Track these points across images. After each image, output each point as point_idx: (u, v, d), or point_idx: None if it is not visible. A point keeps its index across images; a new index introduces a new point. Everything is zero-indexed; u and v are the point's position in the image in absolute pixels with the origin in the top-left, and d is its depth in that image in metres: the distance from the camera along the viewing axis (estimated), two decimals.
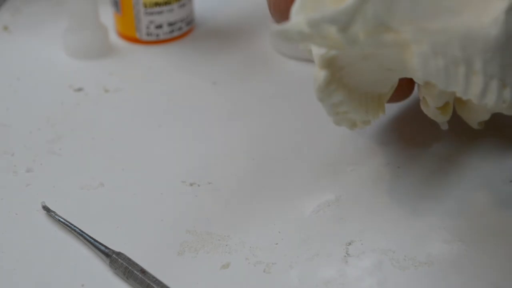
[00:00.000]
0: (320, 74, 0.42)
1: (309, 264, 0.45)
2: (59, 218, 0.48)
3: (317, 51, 0.42)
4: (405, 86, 0.49)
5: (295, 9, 0.41)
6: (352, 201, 0.49)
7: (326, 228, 0.48)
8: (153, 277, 0.44)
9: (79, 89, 0.60)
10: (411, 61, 0.40)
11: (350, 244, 0.46)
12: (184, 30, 0.65)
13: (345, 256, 0.45)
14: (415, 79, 0.43)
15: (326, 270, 0.45)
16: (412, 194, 0.49)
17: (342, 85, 0.43)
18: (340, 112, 0.45)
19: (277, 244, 0.46)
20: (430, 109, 0.47)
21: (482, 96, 0.39)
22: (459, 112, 0.49)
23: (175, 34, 0.65)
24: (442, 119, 0.48)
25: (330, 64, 0.42)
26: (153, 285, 0.43)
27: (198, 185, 0.51)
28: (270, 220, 0.48)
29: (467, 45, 0.38)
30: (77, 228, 0.47)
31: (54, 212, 0.48)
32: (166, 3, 0.64)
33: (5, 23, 0.68)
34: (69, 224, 0.48)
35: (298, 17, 0.39)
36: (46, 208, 0.49)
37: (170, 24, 0.65)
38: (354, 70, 0.43)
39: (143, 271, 0.44)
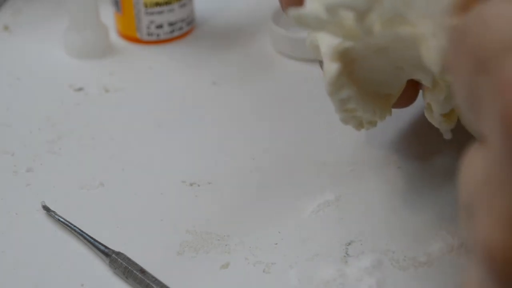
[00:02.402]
0: (331, 66, 0.41)
1: (309, 264, 0.45)
2: (59, 218, 0.48)
3: (330, 43, 0.42)
4: (410, 90, 0.48)
5: None
6: (352, 201, 0.49)
7: (326, 228, 0.47)
8: (153, 277, 0.44)
9: (79, 89, 0.60)
10: (428, 55, 0.39)
11: (349, 244, 0.46)
12: (184, 30, 0.65)
13: (344, 256, 0.45)
14: (423, 81, 0.43)
15: (325, 270, 0.45)
16: (412, 194, 0.49)
17: (352, 80, 0.43)
18: (348, 109, 0.44)
19: (276, 244, 0.46)
20: (435, 115, 0.46)
21: None
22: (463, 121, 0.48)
23: (176, 34, 0.65)
24: (445, 127, 0.47)
25: (342, 57, 0.42)
26: (153, 285, 0.43)
27: (198, 185, 0.51)
28: (270, 220, 0.48)
29: None
30: (77, 228, 0.47)
31: (54, 212, 0.49)
32: (166, 3, 0.64)
33: (6, 23, 0.68)
34: (69, 224, 0.48)
35: (313, 3, 0.39)
36: (46, 208, 0.49)
37: (171, 24, 0.65)
38: (365, 66, 0.43)
39: (142, 271, 0.44)
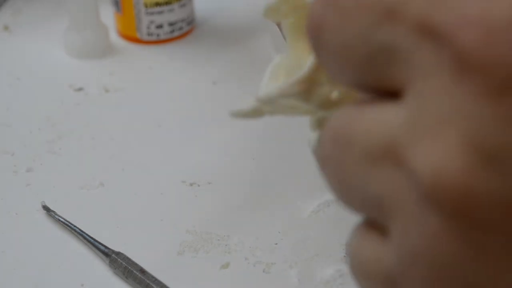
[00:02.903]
0: (311, 136, 0.37)
1: (309, 264, 0.45)
2: (59, 217, 0.48)
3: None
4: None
5: (265, 78, 0.35)
6: None
7: (326, 228, 0.47)
8: (153, 276, 0.44)
9: (79, 89, 0.60)
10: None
11: None
12: (184, 30, 0.65)
13: (344, 256, 0.45)
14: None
15: (325, 270, 0.45)
16: None
17: None
18: None
19: (276, 244, 0.46)
20: None
21: None
22: None
23: (176, 34, 0.65)
24: None
25: (321, 124, 0.38)
26: (153, 285, 0.43)
27: (198, 185, 0.51)
28: (270, 220, 0.48)
29: None
30: (77, 227, 0.47)
31: (54, 211, 0.49)
32: (166, 3, 0.64)
33: (6, 22, 0.68)
34: (69, 224, 0.48)
35: (268, 87, 0.34)
36: (46, 208, 0.49)
37: (171, 24, 0.65)
38: None
39: (142, 271, 0.44)
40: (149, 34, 0.64)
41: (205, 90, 0.60)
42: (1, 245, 0.47)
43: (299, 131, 0.55)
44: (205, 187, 0.51)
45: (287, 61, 0.35)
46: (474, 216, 0.22)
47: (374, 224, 0.25)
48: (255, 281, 0.44)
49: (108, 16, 0.66)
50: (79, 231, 0.47)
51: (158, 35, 0.65)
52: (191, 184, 0.51)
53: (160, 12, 0.64)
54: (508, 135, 0.21)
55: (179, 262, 0.46)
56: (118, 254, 0.45)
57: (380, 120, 0.24)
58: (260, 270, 0.45)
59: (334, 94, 0.31)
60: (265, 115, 0.35)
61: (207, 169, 0.52)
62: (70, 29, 0.63)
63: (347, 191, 0.25)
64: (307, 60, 0.32)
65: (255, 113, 0.35)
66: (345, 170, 0.25)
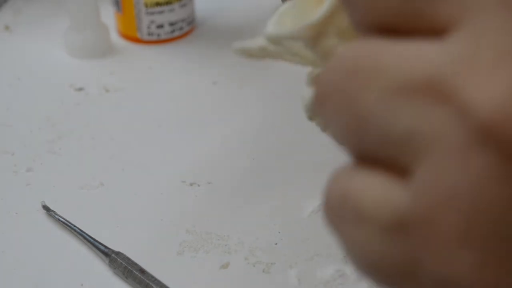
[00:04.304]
0: (306, 92, 0.38)
1: (309, 264, 0.45)
2: (59, 217, 0.48)
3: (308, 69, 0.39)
4: None
5: (271, 22, 0.35)
6: None
7: (326, 228, 0.47)
8: (152, 276, 0.44)
9: (80, 89, 0.60)
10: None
11: None
12: (185, 30, 0.65)
13: (344, 256, 0.45)
14: None
15: (325, 270, 0.45)
16: None
17: None
18: None
19: (276, 244, 0.46)
20: None
21: None
22: None
23: (176, 34, 0.65)
24: None
25: None
26: (152, 285, 0.43)
27: (198, 185, 0.51)
28: (270, 220, 0.48)
29: None
30: (77, 227, 0.47)
31: (54, 211, 0.49)
32: (167, 3, 0.64)
33: (6, 22, 0.68)
34: (69, 224, 0.48)
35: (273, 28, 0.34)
36: (46, 208, 0.49)
37: (171, 24, 0.65)
38: None
39: (142, 271, 0.44)
40: (150, 34, 0.64)
41: (205, 90, 0.60)
42: (1, 245, 0.47)
43: (299, 132, 0.55)
44: (205, 187, 0.51)
45: (293, 10, 0.34)
46: None
47: (384, 165, 0.23)
48: (255, 281, 0.44)
49: (108, 16, 0.66)
50: (79, 231, 0.47)
51: (158, 35, 0.65)
52: (191, 184, 0.51)
53: (161, 12, 0.64)
54: None
55: (179, 262, 0.46)
56: (118, 254, 0.45)
57: (418, 55, 0.22)
58: (260, 270, 0.45)
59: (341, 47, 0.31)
60: (268, 57, 0.35)
61: (207, 169, 0.52)
62: (71, 29, 0.63)
63: (357, 127, 0.23)
64: (314, 10, 0.32)
65: (260, 52, 0.35)
66: (363, 104, 0.23)
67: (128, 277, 0.44)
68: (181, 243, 0.47)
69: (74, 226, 0.47)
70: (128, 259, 0.45)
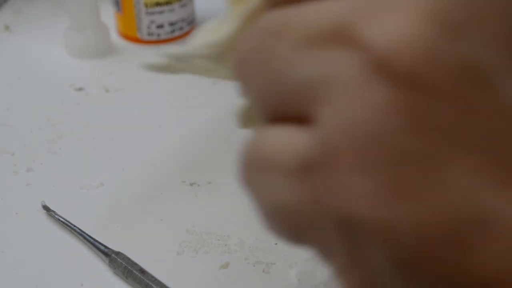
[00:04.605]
0: (238, 101, 0.34)
1: (309, 264, 0.45)
2: (59, 217, 0.48)
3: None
4: None
5: (194, 37, 0.34)
6: None
7: None
8: (152, 276, 0.44)
9: (80, 89, 0.60)
10: None
11: None
12: (185, 30, 0.65)
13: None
14: None
15: (325, 270, 0.45)
16: None
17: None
18: None
19: (276, 244, 0.46)
20: None
21: None
22: None
23: (176, 34, 0.65)
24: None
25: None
26: (152, 285, 0.43)
27: (198, 185, 0.51)
28: None
29: None
30: (77, 227, 0.47)
31: (54, 211, 0.49)
32: (167, 3, 0.64)
33: (6, 22, 0.68)
34: (69, 224, 0.48)
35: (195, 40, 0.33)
36: (46, 208, 0.49)
37: (171, 24, 0.65)
38: None
39: (142, 271, 0.44)
40: (150, 34, 0.64)
41: (205, 90, 0.60)
42: (1, 245, 0.47)
43: None
44: (205, 187, 0.51)
45: (217, 24, 0.33)
46: (428, 84, 0.21)
47: (296, 119, 0.23)
48: (255, 281, 0.44)
49: (108, 16, 0.66)
50: (79, 231, 0.47)
51: (158, 35, 0.65)
52: (191, 184, 0.51)
53: (161, 12, 0.64)
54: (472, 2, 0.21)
55: (178, 262, 0.46)
56: (118, 254, 0.45)
57: (321, 9, 0.23)
58: (260, 270, 0.45)
59: None
60: (179, 72, 0.34)
61: (207, 169, 0.52)
62: (71, 29, 0.63)
63: (273, 83, 0.24)
64: (229, 25, 0.31)
65: (167, 68, 0.34)
66: (277, 58, 0.23)
67: (128, 277, 0.44)
68: (181, 243, 0.47)
69: (74, 226, 0.47)
70: (128, 259, 0.45)
